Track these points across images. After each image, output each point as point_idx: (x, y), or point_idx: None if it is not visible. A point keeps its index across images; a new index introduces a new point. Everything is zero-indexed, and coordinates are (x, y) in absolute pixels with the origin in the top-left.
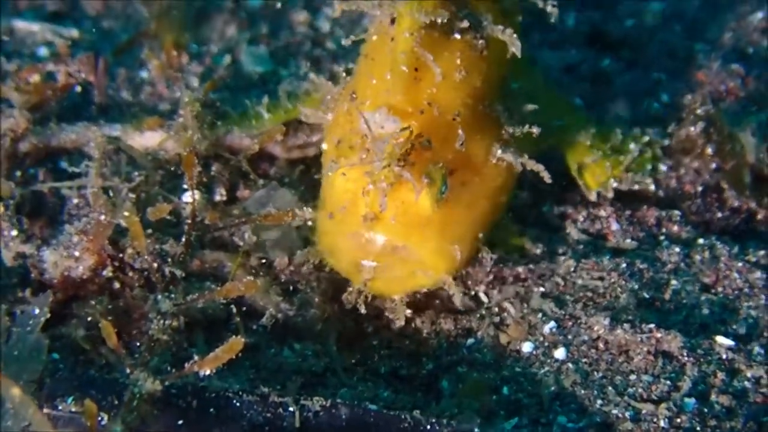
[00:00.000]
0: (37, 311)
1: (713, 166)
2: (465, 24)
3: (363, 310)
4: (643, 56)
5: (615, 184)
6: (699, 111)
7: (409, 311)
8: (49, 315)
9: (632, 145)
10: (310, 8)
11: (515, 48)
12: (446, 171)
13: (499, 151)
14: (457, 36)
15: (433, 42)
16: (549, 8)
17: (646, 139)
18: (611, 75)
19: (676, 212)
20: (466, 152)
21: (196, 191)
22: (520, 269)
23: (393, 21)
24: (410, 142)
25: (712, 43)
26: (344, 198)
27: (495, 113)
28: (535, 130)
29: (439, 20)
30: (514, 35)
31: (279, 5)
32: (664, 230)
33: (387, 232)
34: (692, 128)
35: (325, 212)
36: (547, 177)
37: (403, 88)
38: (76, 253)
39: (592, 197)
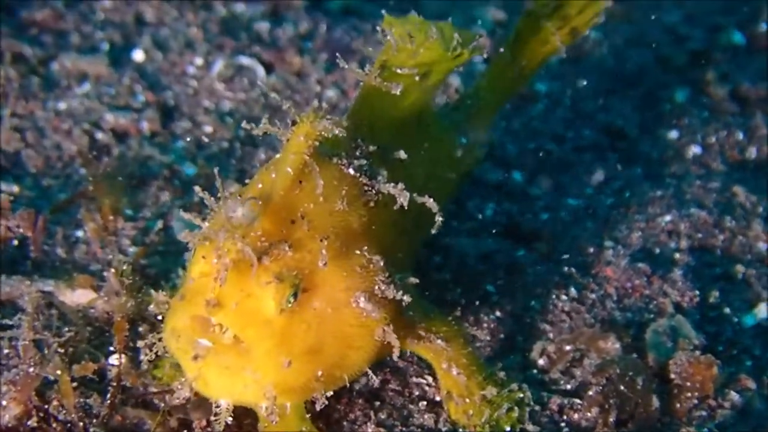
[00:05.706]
0: None
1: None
2: (363, 163)
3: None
4: (556, 250)
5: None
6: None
7: None
8: None
9: (503, 405)
10: (240, 180)
11: (403, 200)
12: (300, 282)
13: (362, 300)
14: (351, 172)
15: (323, 162)
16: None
17: (519, 396)
18: (525, 266)
19: (577, 401)
20: (326, 281)
21: (122, 355)
22: None
23: (293, 123)
24: (269, 242)
25: (621, 241)
26: (198, 281)
27: (371, 265)
28: (407, 298)
29: (337, 131)
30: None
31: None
32: (565, 417)
33: (226, 318)
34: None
35: (180, 293)
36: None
37: (283, 190)
38: (4, 402)
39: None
